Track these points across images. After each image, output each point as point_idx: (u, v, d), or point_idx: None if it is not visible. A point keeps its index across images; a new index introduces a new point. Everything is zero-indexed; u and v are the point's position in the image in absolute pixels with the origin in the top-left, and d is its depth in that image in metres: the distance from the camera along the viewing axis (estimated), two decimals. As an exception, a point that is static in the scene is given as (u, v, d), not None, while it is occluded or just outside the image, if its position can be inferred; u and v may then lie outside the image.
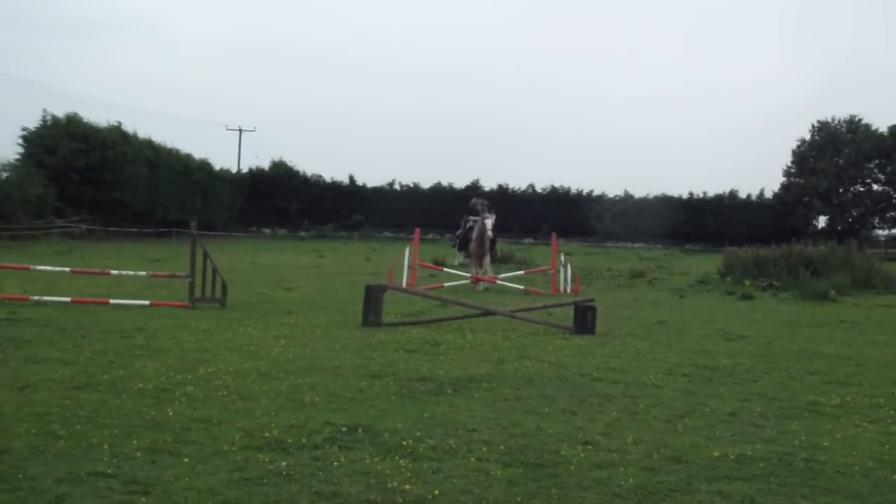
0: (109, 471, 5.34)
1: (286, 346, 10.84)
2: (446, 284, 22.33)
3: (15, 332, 11.27)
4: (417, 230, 24.66)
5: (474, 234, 23.34)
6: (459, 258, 25.47)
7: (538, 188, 76.72)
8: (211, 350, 10.32)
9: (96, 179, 46.98)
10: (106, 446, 5.88)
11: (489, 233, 22.91)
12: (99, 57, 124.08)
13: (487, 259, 23.53)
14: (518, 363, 10.21)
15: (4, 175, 42.49)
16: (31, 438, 6.01)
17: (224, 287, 15.50)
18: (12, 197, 40.99)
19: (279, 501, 4.88)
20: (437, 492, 5.12)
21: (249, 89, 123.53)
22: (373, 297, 13.36)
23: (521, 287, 23.14)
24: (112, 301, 15.06)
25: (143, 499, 4.86)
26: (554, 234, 26.28)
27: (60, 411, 6.84)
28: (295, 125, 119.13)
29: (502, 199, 69.78)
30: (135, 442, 6.01)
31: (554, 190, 76.88)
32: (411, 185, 73.86)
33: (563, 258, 24.05)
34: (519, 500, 5.08)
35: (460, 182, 73.20)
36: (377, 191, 72.87)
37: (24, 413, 6.72)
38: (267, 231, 66.70)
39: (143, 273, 18.41)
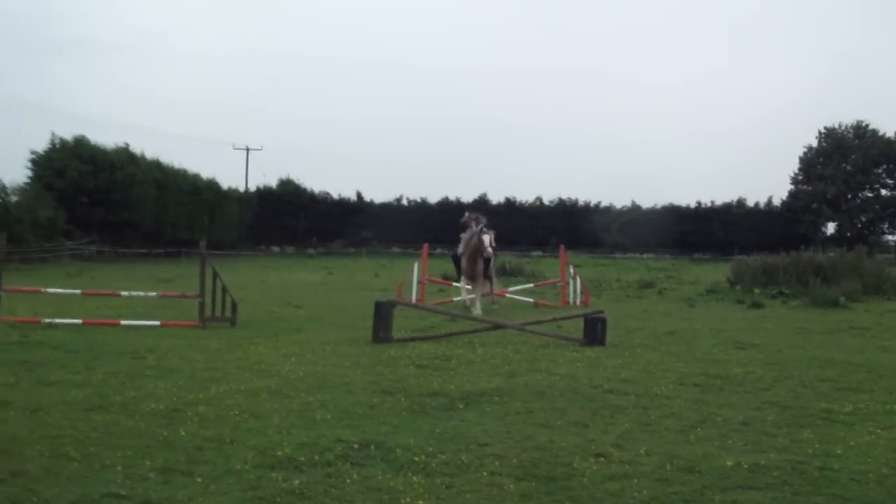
0: (123, 492, 5.35)
1: (297, 363, 10.85)
2: (455, 299, 22.31)
3: (27, 355, 11.31)
4: (426, 245, 24.66)
5: (463, 251, 20.28)
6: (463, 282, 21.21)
7: (545, 200, 76.82)
8: (222, 369, 10.34)
9: (105, 201, 47.18)
10: (119, 468, 5.89)
11: (489, 249, 20.05)
12: (106, 77, 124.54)
13: (488, 280, 20.71)
14: (529, 376, 10.20)
15: (14, 198, 42.68)
16: (45, 461, 6.03)
17: (234, 306, 15.53)
18: (22, 220, 41.17)
19: (292, 519, 4.88)
20: (449, 506, 5.12)
21: (255, 108, 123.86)
22: (382, 313, 13.38)
23: (531, 300, 23.11)
24: (123, 322, 15.10)
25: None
26: (562, 247, 26.26)
27: (73, 433, 6.86)
28: (301, 143, 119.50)
29: (510, 213, 69.89)
30: (148, 463, 6.02)
31: (561, 202, 76.92)
32: (419, 201, 74.08)
33: (571, 270, 24.02)
34: (532, 513, 5.07)
35: (468, 196, 73.37)
36: (385, 206, 73.09)
37: (37, 436, 6.75)
38: (275, 249, 66.79)
39: (154, 293, 18.47)
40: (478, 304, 19.17)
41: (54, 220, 43.08)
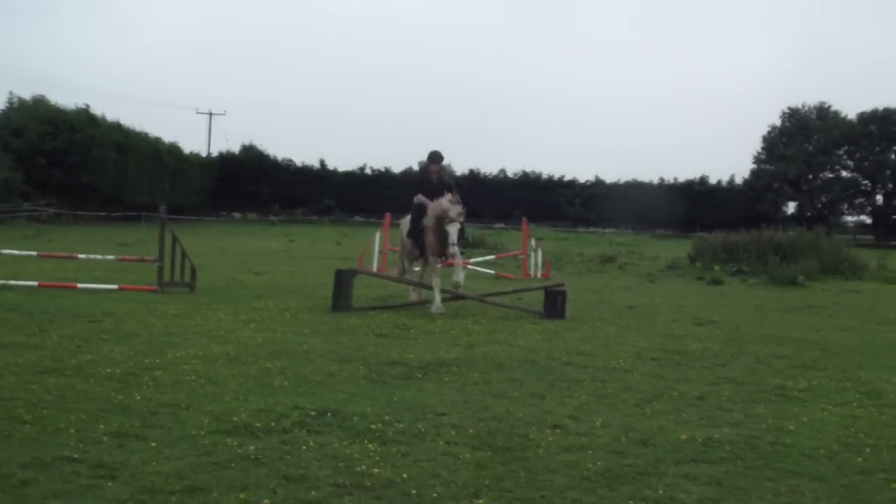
0: (76, 455, 5.28)
1: (255, 330, 10.79)
2: (416, 269, 22.26)
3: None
4: (388, 215, 24.61)
5: (429, 223, 14.19)
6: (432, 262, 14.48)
7: (510, 173, 76.79)
8: (180, 334, 10.25)
9: (64, 163, 46.48)
10: (72, 431, 5.81)
11: (452, 216, 13.73)
12: (65, 39, 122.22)
13: (455, 253, 13.88)
14: (488, 347, 10.22)
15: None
16: (-4, 423, 5.94)
17: (193, 271, 15.39)
18: (-26, 182, 40.56)
19: (247, 485, 4.85)
20: (405, 475, 5.11)
21: (219, 72, 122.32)
22: (343, 282, 13.32)
23: (492, 272, 23.14)
24: (80, 285, 14.91)
25: (110, 483, 4.81)
26: (525, 219, 26.31)
27: (26, 396, 6.77)
28: (265, 109, 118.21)
29: (473, 184, 69.75)
30: (102, 426, 5.95)
31: (525, 175, 76.90)
32: (382, 170, 73.76)
33: (533, 243, 24.09)
34: (487, 483, 5.08)
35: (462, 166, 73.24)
36: (348, 175, 72.67)
37: (-11, 398, 6.65)
38: (237, 215, 66.29)
39: (112, 257, 18.23)
40: (438, 296, 13.88)
41: (11, 181, 42.37)
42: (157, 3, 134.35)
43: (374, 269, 20.73)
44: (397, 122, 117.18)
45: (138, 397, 6.85)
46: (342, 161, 78.06)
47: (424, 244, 14.35)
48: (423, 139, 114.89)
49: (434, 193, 14.37)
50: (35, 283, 14.82)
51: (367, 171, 73.73)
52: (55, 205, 45.61)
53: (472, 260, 24.24)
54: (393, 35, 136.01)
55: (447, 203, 13.80)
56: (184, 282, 15.31)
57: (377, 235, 22.68)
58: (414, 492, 4.85)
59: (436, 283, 13.99)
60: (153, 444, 5.58)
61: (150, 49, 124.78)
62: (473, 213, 59.30)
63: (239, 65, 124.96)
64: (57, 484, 4.79)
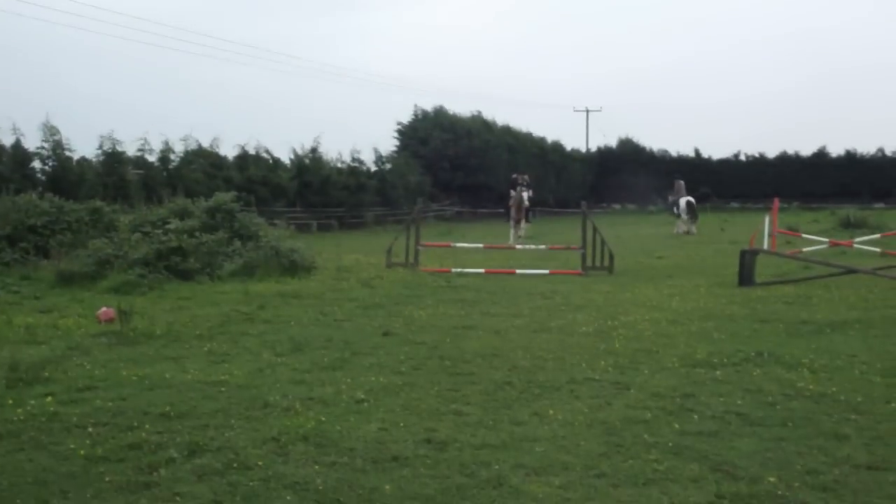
0: (596, 377, 7.90)
1: (681, 301, 13.15)
2: (805, 249, 23.44)
3: (458, 295, 14.40)
4: (776, 200, 25.88)
5: (511, 203, 31.52)
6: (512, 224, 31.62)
7: (888, 152, 72.41)
8: (620, 305, 12.85)
9: (464, 166, 51.81)
10: (583, 364, 8.47)
11: (526, 203, 30.83)
12: (451, 53, 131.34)
13: (523, 223, 31.05)
14: (884, 311, 11.82)
15: (388, 166, 48.20)
16: (527, 361, 8.75)
17: (611, 256, 18.06)
18: (396, 185, 46.59)
19: (720, 393, 7.19)
20: (834, 389, 7.22)
21: (594, 70, 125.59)
22: (747, 261, 15.28)
23: (877, 249, 23.67)
24: (518, 271, 18.07)
25: (629, 391, 7.35)
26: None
27: (528, 346, 9.56)
28: (638, 101, 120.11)
29: (850, 165, 67.11)
30: (602, 363, 8.56)
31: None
32: (756, 156, 73.00)
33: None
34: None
35: (806, 149, 71.10)
36: (722, 162, 72.79)
37: (502, 348, 9.53)
38: (616, 206, 69.09)
39: (543, 246, 21.34)
40: (512, 236, 30.62)
41: (422, 185, 48.18)
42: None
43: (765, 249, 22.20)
44: (770, 108, 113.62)
45: (617, 346, 9.45)
46: (716, 149, 77.90)
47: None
48: (794, 120, 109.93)
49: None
50: (482, 270, 18.17)
51: (742, 157, 73.41)
52: (457, 204, 50.98)
53: (856, 240, 24.84)
54: (770, 21, 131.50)
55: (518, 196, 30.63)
56: (603, 266, 18.00)
57: (766, 219, 24.06)
58: (842, 398, 6.94)
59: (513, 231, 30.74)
60: (646, 371, 8.11)
61: (534, 53, 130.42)
62: (851, 193, 57.73)
63: (613, 59, 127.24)
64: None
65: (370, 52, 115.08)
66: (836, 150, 70.64)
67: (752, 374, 7.87)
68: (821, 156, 69.12)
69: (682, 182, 37.46)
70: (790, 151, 71.18)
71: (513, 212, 30.98)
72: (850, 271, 15.76)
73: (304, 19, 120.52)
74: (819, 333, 10.11)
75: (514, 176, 32.61)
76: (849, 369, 8.06)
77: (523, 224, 31.04)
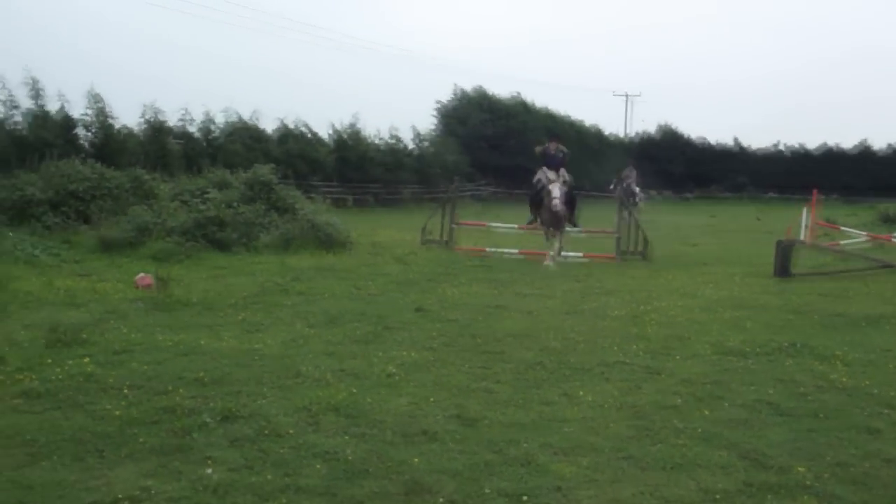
0: (627, 360, 7.92)
1: (714, 289, 13.07)
2: (842, 242, 23.19)
3: (491, 275, 14.43)
4: (815, 192, 25.57)
5: (546, 202, 17.14)
6: (529, 218, 18.91)
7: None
8: (653, 291, 12.81)
9: (501, 147, 51.64)
10: (615, 348, 8.47)
11: (556, 204, 16.77)
12: (499, 32, 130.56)
13: (560, 236, 17.44)
14: (920, 306, 11.70)
15: (426, 145, 48.19)
16: (555, 342, 8.77)
17: (646, 242, 17.97)
18: (433, 164, 46.60)
19: (752, 381, 7.17)
20: (867, 382, 7.17)
21: (633, 55, 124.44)
22: (783, 252, 15.15)
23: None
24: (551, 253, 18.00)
25: (660, 375, 7.36)
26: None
27: (558, 326, 9.60)
28: (679, 88, 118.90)
29: (893, 159, 66.09)
30: (634, 347, 8.56)
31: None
32: (796, 147, 72.09)
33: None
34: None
35: (848, 142, 69.94)
36: (762, 152, 71.97)
37: (535, 330, 9.55)
38: (653, 193, 68.66)
39: (578, 229, 21.21)
40: (550, 253, 16.92)
41: (459, 164, 48.09)
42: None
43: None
44: (812, 98, 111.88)
45: (649, 331, 9.44)
46: (756, 138, 77.01)
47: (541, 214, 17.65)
48: (838, 115, 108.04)
49: (555, 166, 17.61)
50: (516, 251, 18.14)
51: (781, 147, 72.56)
52: (493, 184, 50.93)
53: (895, 234, 24.54)
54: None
55: (546, 170, 17.60)
56: (637, 251, 17.92)
57: (804, 211, 23.82)
58: (875, 391, 6.90)
59: (550, 245, 17.20)
60: (677, 357, 8.10)
61: (570, 36, 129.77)
62: (892, 188, 56.81)
63: (652, 49, 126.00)
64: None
65: (410, 28, 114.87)
66: (879, 143, 69.52)
67: (784, 365, 7.83)
68: (863, 149, 68.11)
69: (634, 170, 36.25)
70: (831, 143, 70.16)
71: (543, 214, 17.37)
72: (888, 266, 15.59)
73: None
74: (854, 327, 10.02)
75: (541, 148, 18.46)
76: (883, 364, 8.00)
77: (559, 237, 17.45)
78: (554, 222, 17.13)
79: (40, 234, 16.09)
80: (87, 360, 7.17)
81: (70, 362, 7.06)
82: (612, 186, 35.45)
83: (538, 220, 17.92)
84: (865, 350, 8.56)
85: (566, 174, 17.68)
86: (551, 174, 17.30)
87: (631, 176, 34.59)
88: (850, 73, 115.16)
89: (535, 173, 18.53)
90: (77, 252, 14.97)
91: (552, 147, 18.11)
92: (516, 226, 20.22)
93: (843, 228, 25.51)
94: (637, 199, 33.15)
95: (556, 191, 16.77)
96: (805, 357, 8.17)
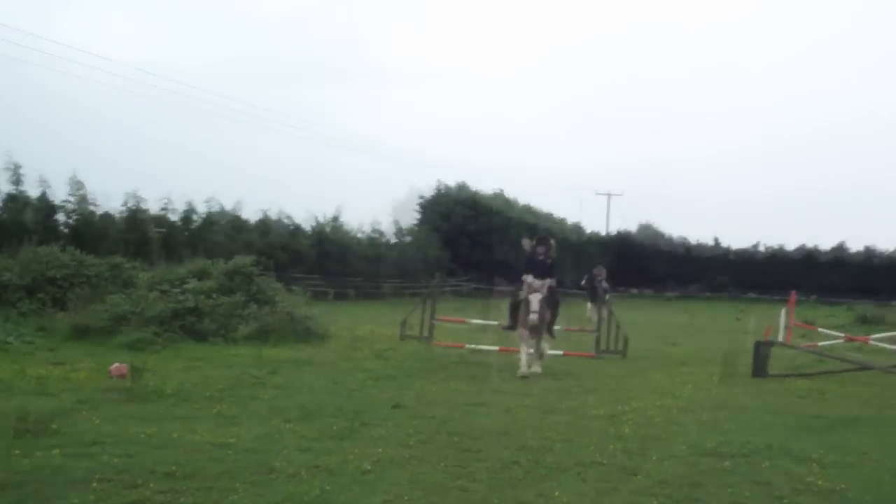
0: (604, 461, 7.86)
1: (693, 389, 13.07)
2: (820, 343, 23.29)
3: (468, 371, 14.41)
4: (794, 293, 25.82)
5: (522, 313, 15.46)
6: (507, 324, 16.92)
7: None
8: (632, 390, 12.78)
9: (483, 242, 51.97)
10: (591, 447, 8.42)
11: (533, 316, 14.95)
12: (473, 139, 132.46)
13: (537, 343, 15.48)
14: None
15: (408, 239, 48.48)
16: (546, 442, 8.72)
17: (625, 340, 17.99)
18: (415, 258, 46.80)
19: (728, 483, 7.13)
20: (843, 486, 7.14)
21: (611, 154, 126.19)
22: (761, 352, 15.21)
23: (894, 347, 23.48)
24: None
25: (635, 476, 7.30)
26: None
27: (538, 426, 9.52)
28: (657, 186, 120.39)
29: (868, 261, 66.90)
30: (611, 446, 8.51)
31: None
32: (775, 248, 72.92)
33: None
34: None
35: (826, 244, 70.88)
36: (741, 253, 72.68)
37: (510, 428, 9.50)
38: (633, 291, 68.96)
39: (558, 327, 21.19)
40: (524, 360, 14.94)
41: (441, 259, 48.29)
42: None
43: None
44: (790, 199, 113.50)
45: (626, 430, 9.39)
46: (735, 238, 77.70)
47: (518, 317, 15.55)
48: (816, 216, 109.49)
49: (540, 272, 15.52)
50: (496, 348, 18.09)
51: (761, 248, 73.40)
52: (474, 280, 51.03)
53: (872, 336, 24.69)
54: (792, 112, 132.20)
55: (531, 279, 15.27)
56: (616, 350, 17.94)
57: (783, 311, 23.99)
58: (850, 495, 6.87)
59: (524, 350, 15.06)
60: (654, 458, 8.05)
61: (546, 133, 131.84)
62: (867, 289, 57.35)
63: (626, 143, 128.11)
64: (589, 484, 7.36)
65: (391, 124, 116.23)
66: (855, 245, 70.42)
67: (761, 467, 7.80)
68: (840, 251, 68.95)
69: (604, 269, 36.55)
70: (809, 245, 71.02)
71: (522, 314, 15.35)
72: (865, 367, 15.67)
73: (329, 88, 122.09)
74: (831, 428, 10.03)
75: (530, 246, 16.37)
76: (859, 466, 7.98)
77: (545, 343, 16.03)
78: (531, 331, 15.42)
79: (14, 320, 16.00)
80: (56, 451, 7.07)
81: (38, 453, 6.95)
82: (583, 283, 36.16)
83: (516, 326, 16.05)
84: (842, 452, 8.55)
85: (552, 281, 15.96)
86: (536, 282, 15.42)
87: (602, 273, 35.07)
88: (830, 177, 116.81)
89: (518, 271, 16.73)
90: (51, 339, 14.87)
91: (540, 251, 15.98)
92: (496, 322, 20.22)
93: (820, 329, 25.69)
94: (607, 297, 33.36)
95: (536, 304, 15.12)
96: (782, 459, 8.14)
